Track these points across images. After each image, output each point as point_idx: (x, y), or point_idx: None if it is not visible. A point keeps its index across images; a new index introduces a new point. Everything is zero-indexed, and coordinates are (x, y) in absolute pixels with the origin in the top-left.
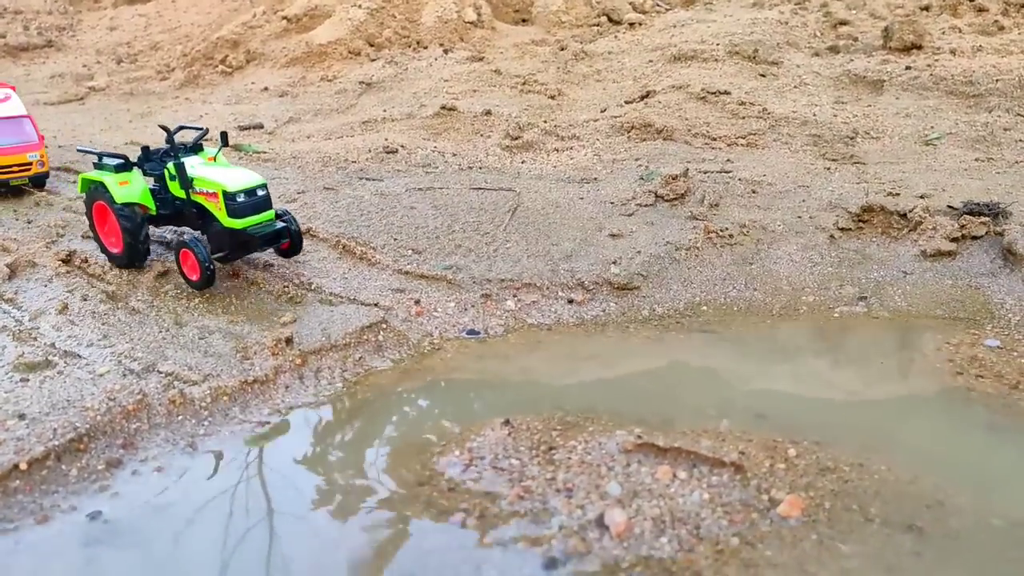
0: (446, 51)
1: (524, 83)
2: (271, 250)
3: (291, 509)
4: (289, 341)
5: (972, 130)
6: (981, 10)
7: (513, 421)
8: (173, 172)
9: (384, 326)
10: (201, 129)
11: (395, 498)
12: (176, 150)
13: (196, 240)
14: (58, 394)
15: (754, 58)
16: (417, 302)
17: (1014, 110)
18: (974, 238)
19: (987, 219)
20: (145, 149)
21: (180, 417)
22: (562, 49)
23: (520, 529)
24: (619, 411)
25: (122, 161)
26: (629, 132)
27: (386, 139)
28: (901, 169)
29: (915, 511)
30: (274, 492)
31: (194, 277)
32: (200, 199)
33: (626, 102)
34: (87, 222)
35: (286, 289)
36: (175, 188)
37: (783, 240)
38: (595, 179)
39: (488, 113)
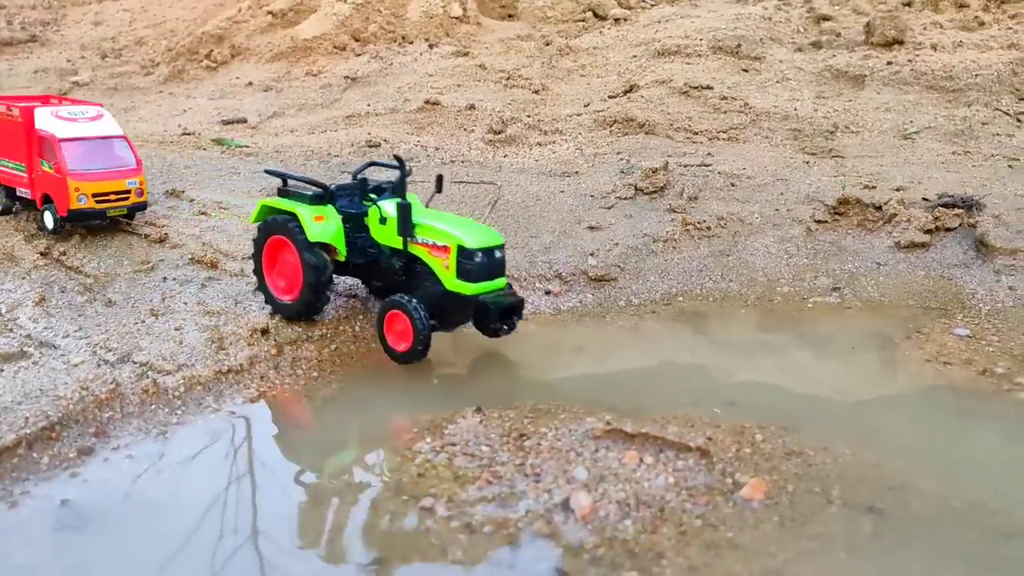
0: (431, 46)
1: (508, 78)
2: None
3: (261, 495)
4: (265, 332)
5: (951, 124)
6: (962, 6)
7: (485, 409)
8: (384, 214)
9: (361, 317)
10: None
11: (366, 484)
12: (402, 189)
13: (414, 302)
14: (32, 384)
15: (737, 53)
16: None
17: (992, 104)
18: (947, 230)
19: (961, 211)
20: (362, 183)
21: (153, 406)
22: (547, 44)
23: (487, 512)
24: (592, 399)
25: (321, 191)
26: (611, 126)
27: (369, 133)
28: (879, 163)
29: (877, 494)
30: (245, 478)
31: (402, 347)
32: (420, 252)
33: (609, 97)
34: (252, 258)
35: None
36: (383, 234)
37: (760, 232)
38: (576, 173)
39: (472, 107)
